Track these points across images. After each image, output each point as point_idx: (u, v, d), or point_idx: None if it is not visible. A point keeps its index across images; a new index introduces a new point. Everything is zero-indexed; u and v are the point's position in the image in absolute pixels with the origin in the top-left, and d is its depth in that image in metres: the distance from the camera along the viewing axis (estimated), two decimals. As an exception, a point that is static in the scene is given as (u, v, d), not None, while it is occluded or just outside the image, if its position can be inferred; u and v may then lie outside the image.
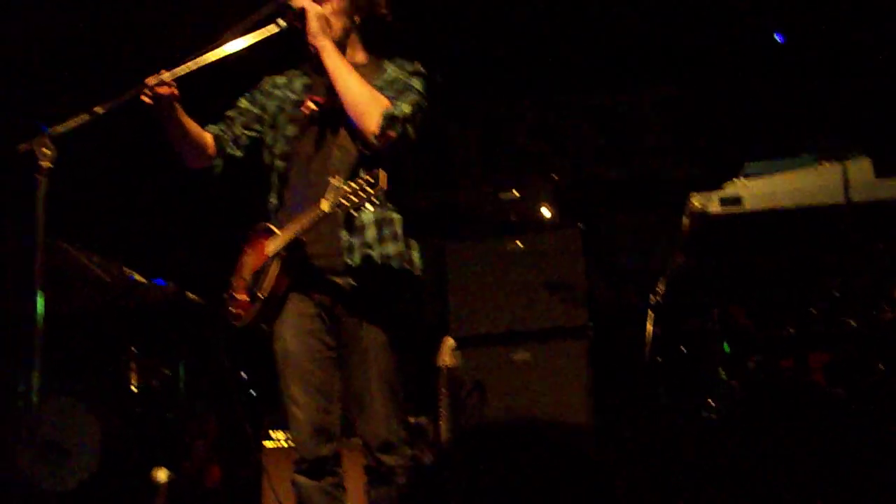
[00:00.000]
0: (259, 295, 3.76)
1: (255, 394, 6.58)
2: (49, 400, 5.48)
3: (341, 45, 3.84)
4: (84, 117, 3.50)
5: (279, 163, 3.91)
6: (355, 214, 3.65)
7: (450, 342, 5.15)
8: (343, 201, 3.41)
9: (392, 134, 3.60)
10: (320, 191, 3.51)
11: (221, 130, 4.02)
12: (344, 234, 3.70)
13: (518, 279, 5.81)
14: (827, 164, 3.76)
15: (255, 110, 4.03)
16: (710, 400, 4.91)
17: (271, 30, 3.70)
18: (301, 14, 3.75)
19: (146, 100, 3.60)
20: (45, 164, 3.34)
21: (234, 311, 3.92)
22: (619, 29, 7.12)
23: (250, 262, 3.92)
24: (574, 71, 7.16)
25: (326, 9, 3.81)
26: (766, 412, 4.74)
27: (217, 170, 4.01)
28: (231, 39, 3.68)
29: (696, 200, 3.64)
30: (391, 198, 3.74)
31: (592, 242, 5.52)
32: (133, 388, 5.95)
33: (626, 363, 5.68)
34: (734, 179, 3.80)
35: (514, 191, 6.24)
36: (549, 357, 5.65)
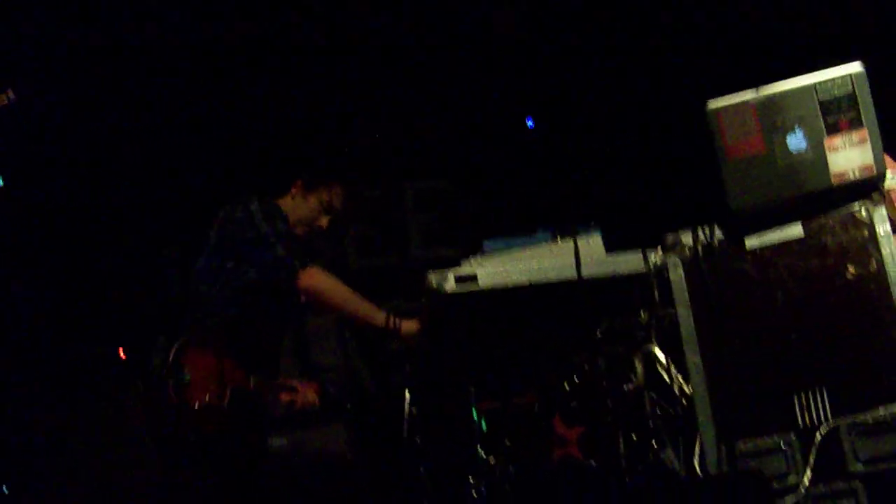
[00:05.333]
0: None
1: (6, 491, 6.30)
2: None
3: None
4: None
5: None
6: None
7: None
8: None
9: None
10: None
11: None
12: None
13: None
14: (560, 241, 3.85)
15: None
16: (470, 478, 4.94)
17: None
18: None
19: None
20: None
21: None
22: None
23: None
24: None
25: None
26: (527, 488, 4.79)
27: None
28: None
29: (433, 279, 3.68)
30: None
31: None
32: None
33: (386, 445, 5.66)
34: (470, 258, 3.85)
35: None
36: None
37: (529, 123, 6.47)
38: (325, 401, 4.78)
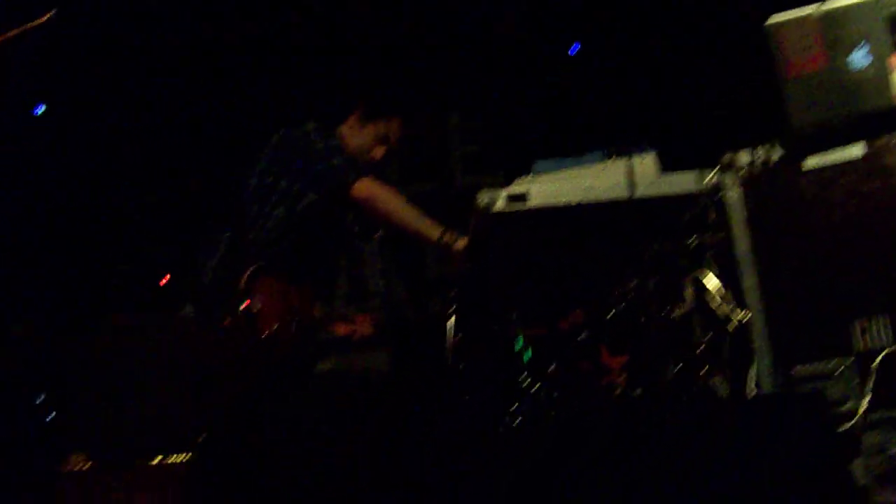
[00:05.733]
0: None
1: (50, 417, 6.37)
2: None
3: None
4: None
5: None
6: None
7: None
8: None
9: None
10: None
11: None
12: None
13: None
14: (613, 161, 3.77)
15: None
16: (515, 405, 4.90)
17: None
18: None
19: None
20: None
21: None
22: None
23: None
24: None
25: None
26: (569, 416, 4.74)
27: None
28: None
29: (483, 198, 3.60)
30: None
31: (393, 252, 5.46)
32: None
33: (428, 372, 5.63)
34: (522, 177, 3.78)
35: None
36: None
37: (574, 47, 6.36)
38: (378, 331, 4.75)
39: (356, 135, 4.80)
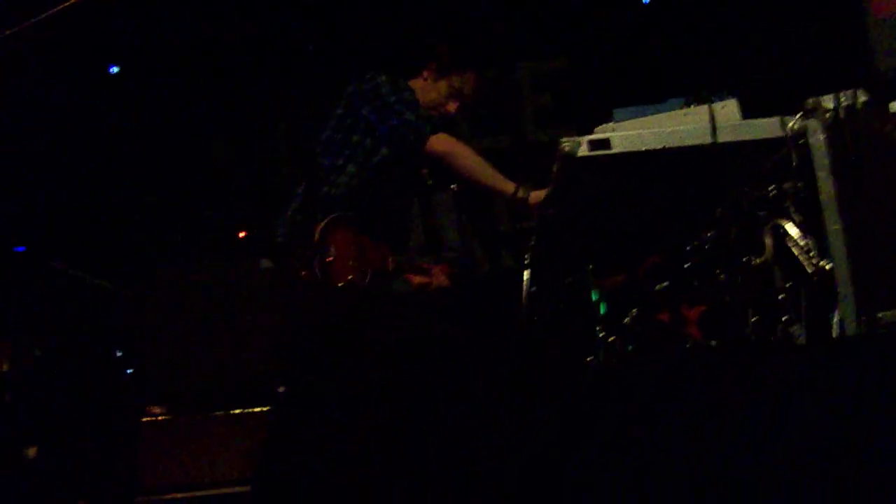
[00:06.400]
0: None
1: (130, 370, 6.47)
2: None
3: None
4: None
5: None
6: None
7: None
8: None
9: None
10: None
11: None
12: None
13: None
14: (694, 107, 3.75)
15: None
16: (590, 357, 4.91)
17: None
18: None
19: None
20: None
21: None
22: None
23: None
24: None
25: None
26: (646, 368, 4.74)
27: None
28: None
29: (566, 144, 3.60)
30: None
31: (466, 205, 5.48)
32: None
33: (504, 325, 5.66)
34: (604, 125, 3.77)
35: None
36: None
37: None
38: (454, 283, 4.78)
39: (430, 89, 4.81)
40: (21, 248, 5.73)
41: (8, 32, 3.66)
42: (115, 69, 6.43)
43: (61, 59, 6.96)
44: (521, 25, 7.29)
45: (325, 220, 4.32)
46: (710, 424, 3.22)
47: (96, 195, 7.38)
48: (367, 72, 4.76)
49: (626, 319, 4.94)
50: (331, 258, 4.26)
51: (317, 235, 4.28)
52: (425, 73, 4.85)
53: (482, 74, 4.93)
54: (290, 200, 4.67)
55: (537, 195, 4.46)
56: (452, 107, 4.84)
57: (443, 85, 4.82)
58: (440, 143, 4.55)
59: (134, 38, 7.17)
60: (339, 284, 4.25)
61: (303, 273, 4.31)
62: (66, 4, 3.61)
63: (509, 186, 4.50)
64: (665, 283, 4.77)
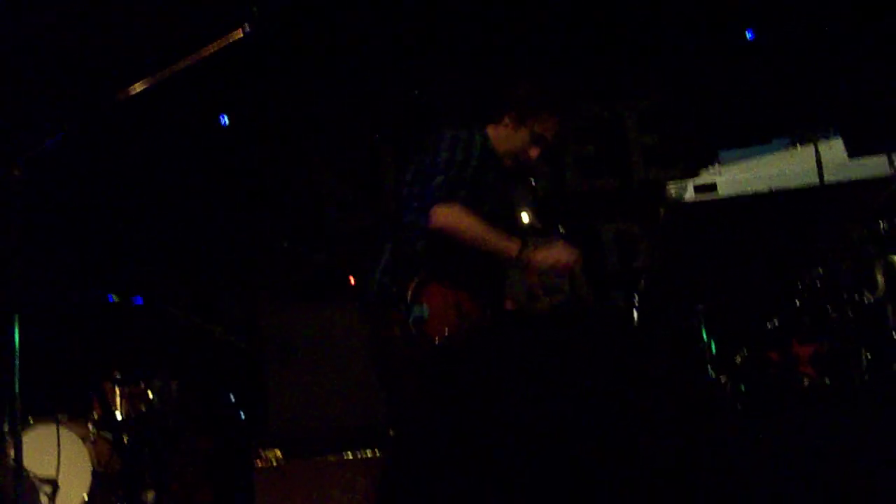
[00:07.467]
0: None
1: (243, 415, 6.56)
2: (35, 428, 5.51)
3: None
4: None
5: None
6: None
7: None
8: None
9: None
10: None
11: None
12: None
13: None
14: (800, 147, 3.74)
15: None
16: (700, 397, 4.87)
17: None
18: None
19: None
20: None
21: None
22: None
23: None
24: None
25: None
26: (757, 406, 4.69)
27: None
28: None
29: (672, 189, 3.61)
30: None
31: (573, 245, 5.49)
32: (118, 414, 5.94)
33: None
34: (709, 167, 3.77)
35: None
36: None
37: (749, 36, 6.27)
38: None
39: (511, 136, 4.78)
40: (139, 301, 5.87)
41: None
42: (225, 120, 6.56)
43: (176, 115, 7.14)
44: (625, 65, 7.29)
45: (418, 276, 4.34)
46: (826, 471, 3.19)
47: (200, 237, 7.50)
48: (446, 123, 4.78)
49: (738, 358, 4.90)
50: (426, 314, 4.28)
51: (409, 293, 4.31)
52: (506, 120, 4.84)
53: (567, 118, 4.91)
54: (378, 255, 4.68)
55: (542, 255, 4.46)
56: (534, 152, 4.81)
57: (523, 132, 4.78)
58: (438, 216, 4.49)
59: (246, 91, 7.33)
60: (436, 340, 4.27)
61: (394, 331, 4.34)
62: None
63: (512, 249, 4.48)
64: (776, 323, 4.72)
